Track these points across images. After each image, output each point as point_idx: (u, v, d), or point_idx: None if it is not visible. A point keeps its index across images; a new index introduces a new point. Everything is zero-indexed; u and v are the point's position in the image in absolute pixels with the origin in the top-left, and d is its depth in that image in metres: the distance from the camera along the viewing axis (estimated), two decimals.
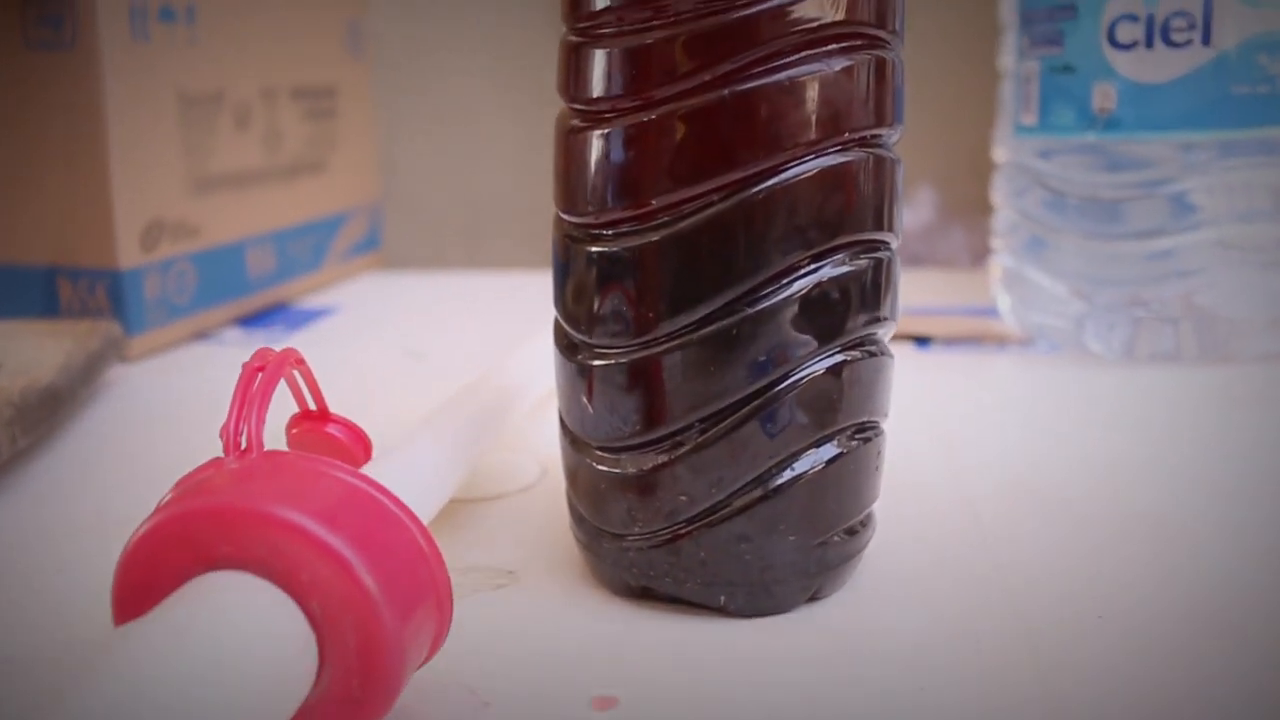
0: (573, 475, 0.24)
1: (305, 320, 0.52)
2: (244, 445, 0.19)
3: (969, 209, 0.70)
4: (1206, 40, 0.38)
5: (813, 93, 0.21)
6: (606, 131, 0.21)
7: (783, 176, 0.21)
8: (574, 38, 0.22)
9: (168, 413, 0.40)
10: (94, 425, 0.38)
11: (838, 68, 0.21)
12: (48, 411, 0.35)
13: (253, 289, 0.53)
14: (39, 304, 0.46)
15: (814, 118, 0.21)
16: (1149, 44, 0.39)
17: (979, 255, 0.68)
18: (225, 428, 0.19)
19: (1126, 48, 0.39)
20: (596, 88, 0.22)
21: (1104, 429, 0.35)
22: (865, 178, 0.22)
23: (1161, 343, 0.41)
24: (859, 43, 0.21)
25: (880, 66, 0.22)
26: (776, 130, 0.20)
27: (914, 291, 0.54)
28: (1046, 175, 0.42)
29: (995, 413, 0.37)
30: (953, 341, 0.45)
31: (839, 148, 0.21)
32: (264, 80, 0.52)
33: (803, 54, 0.21)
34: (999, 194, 0.46)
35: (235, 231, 0.51)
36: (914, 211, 0.68)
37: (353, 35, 0.60)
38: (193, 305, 0.49)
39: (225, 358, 0.47)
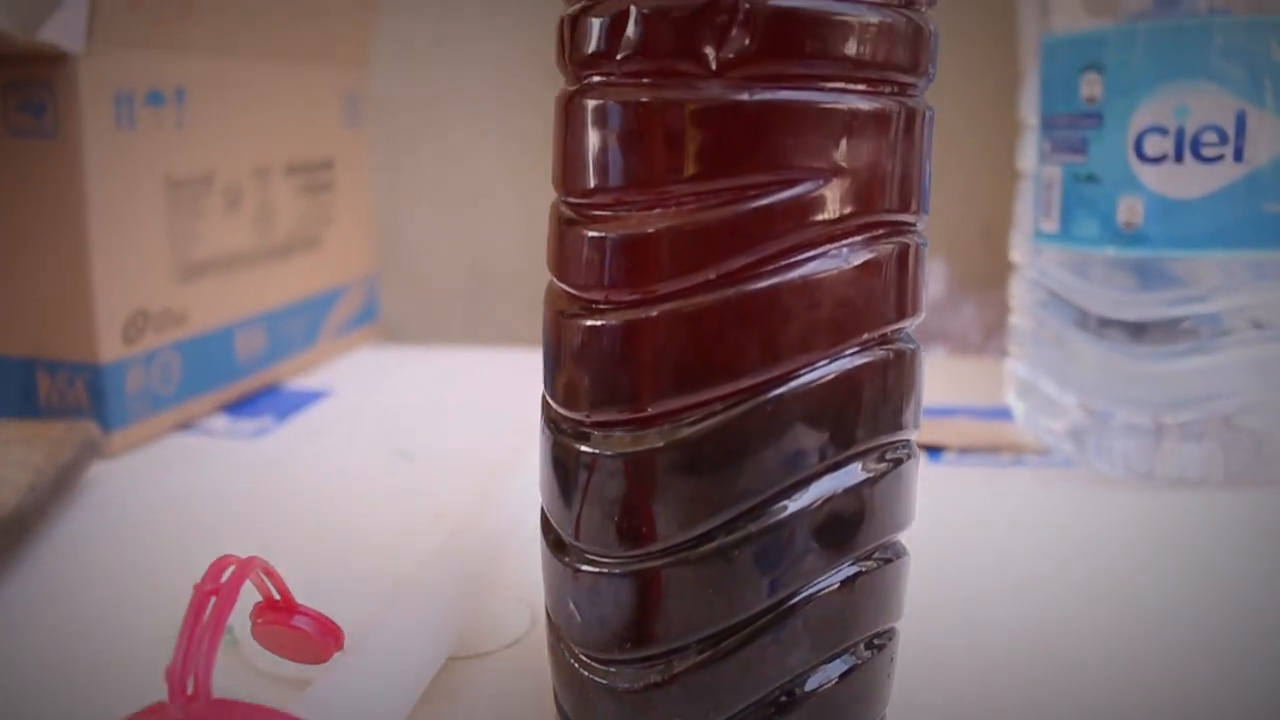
0: (557, 668, 0.22)
1: (294, 407, 0.51)
2: (190, 690, 0.17)
3: (981, 279, 0.69)
4: (1239, 156, 0.36)
5: (830, 292, 0.19)
6: (600, 324, 0.20)
7: (794, 384, 0.19)
8: (566, 211, 0.20)
9: (146, 518, 0.38)
10: (64, 540, 0.36)
11: (857, 262, 0.19)
12: (11, 540, 0.33)
13: (242, 373, 0.51)
14: (17, 397, 0.44)
15: (831, 319, 0.19)
16: (1178, 158, 0.37)
17: (991, 331, 0.66)
18: (171, 669, 0.17)
19: (1154, 161, 0.37)
20: (588, 275, 0.20)
21: (1129, 567, 0.33)
22: (886, 378, 0.20)
23: (1188, 463, 0.39)
24: (881, 231, 0.19)
25: (904, 255, 0.20)
26: (789, 334, 0.19)
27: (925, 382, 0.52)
28: (1067, 286, 0.40)
29: (1012, 544, 0.35)
30: (967, 451, 0.43)
31: (858, 348, 0.19)
32: (257, 159, 0.51)
33: (820, 249, 0.19)
34: (1016, 299, 0.44)
35: (224, 316, 0.49)
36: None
37: (350, 107, 0.59)
38: (178, 395, 0.47)
39: (210, 450, 0.45)
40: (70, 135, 0.42)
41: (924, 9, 0.20)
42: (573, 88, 0.20)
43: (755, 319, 0.19)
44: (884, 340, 0.20)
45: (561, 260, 0.20)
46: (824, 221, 0.19)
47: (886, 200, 0.19)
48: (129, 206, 0.44)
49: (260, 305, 0.52)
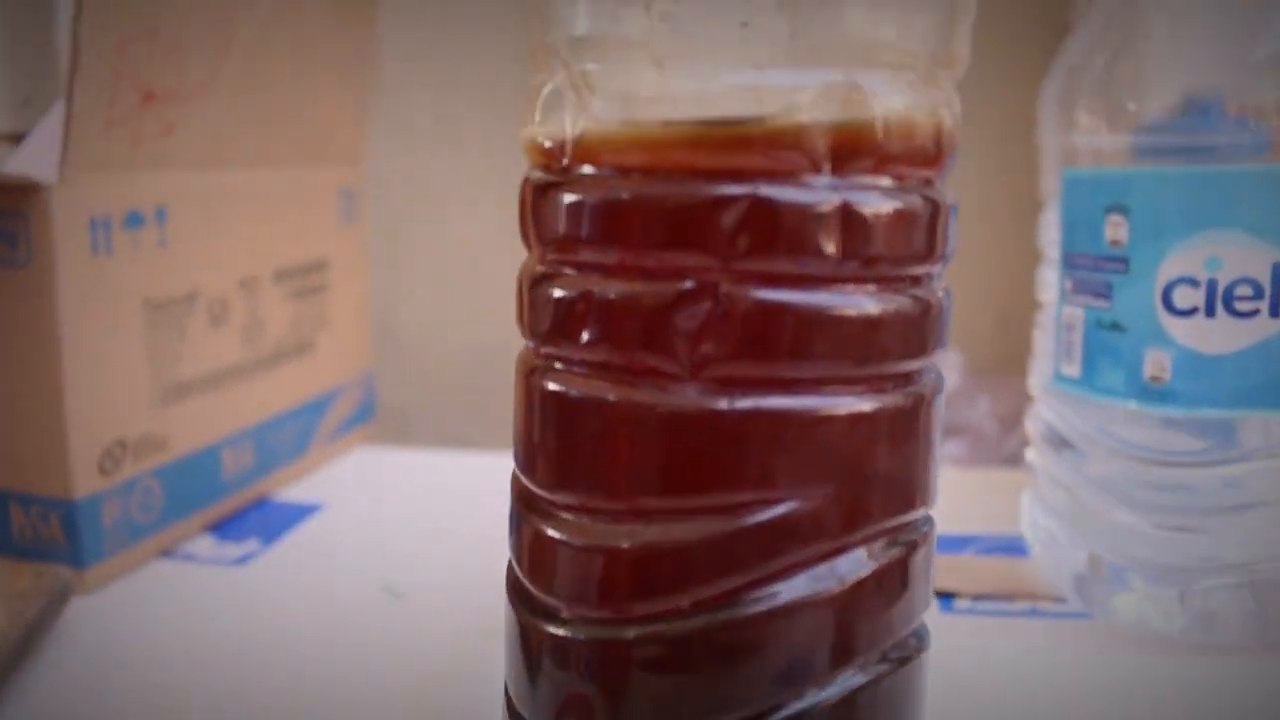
0: None
1: (283, 527, 0.49)
2: None
3: (997, 366, 0.66)
4: (1275, 312, 0.34)
5: (825, 617, 0.17)
6: (568, 638, 0.17)
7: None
8: (533, 505, 0.18)
9: (122, 664, 0.36)
10: (33, 695, 0.34)
11: (854, 580, 0.17)
12: None
13: (228, 491, 0.49)
14: None
15: (831, 645, 0.17)
16: (1210, 312, 0.35)
17: (1007, 423, 0.64)
18: None
19: (1184, 314, 0.35)
20: (557, 584, 0.18)
21: None
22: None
23: (1220, 625, 0.36)
24: (881, 541, 0.17)
25: (905, 564, 0.18)
26: (778, 666, 0.17)
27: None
28: (1088, 435, 0.38)
29: (1023, 710, 0.33)
30: (980, 597, 0.41)
31: (859, 669, 0.17)
32: (245, 269, 0.49)
33: (813, 568, 0.17)
34: (1032, 440, 0.42)
35: (209, 436, 0.47)
36: None
37: (345, 202, 0.57)
38: (159, 522, 0.45)
39: (192, 581, 0.43)
40: (43, 266, 0.40)
41: (933, 298, 0.18)
42: (531, 365, 0.18)
43: (739, 653, 0.16)
44: (896, 647, 0.18)
45: (532, 565, 0.18)
46: (816, 540, 0.17)
47: (887, 507, 0.17)
48: (105, 334, 0.42)
49: (248, 419, 0.50)
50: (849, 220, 0.15)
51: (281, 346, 0.52)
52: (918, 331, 0.17)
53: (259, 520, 0.49)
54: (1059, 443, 0.39)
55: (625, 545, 0.16)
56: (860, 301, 0.16)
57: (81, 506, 0.41)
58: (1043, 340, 0.41)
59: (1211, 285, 0.35)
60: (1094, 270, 0.37)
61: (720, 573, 0.16)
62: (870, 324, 0.16)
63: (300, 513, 0.51)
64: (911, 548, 0.17)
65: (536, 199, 0.17)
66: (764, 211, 0.15)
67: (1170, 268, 0.35)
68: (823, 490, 0.16)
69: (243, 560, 0.45)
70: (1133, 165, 0.40)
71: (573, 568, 0.17)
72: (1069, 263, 0.38)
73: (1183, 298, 0.35)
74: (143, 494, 0.44)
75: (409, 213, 0.68)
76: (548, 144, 0.17)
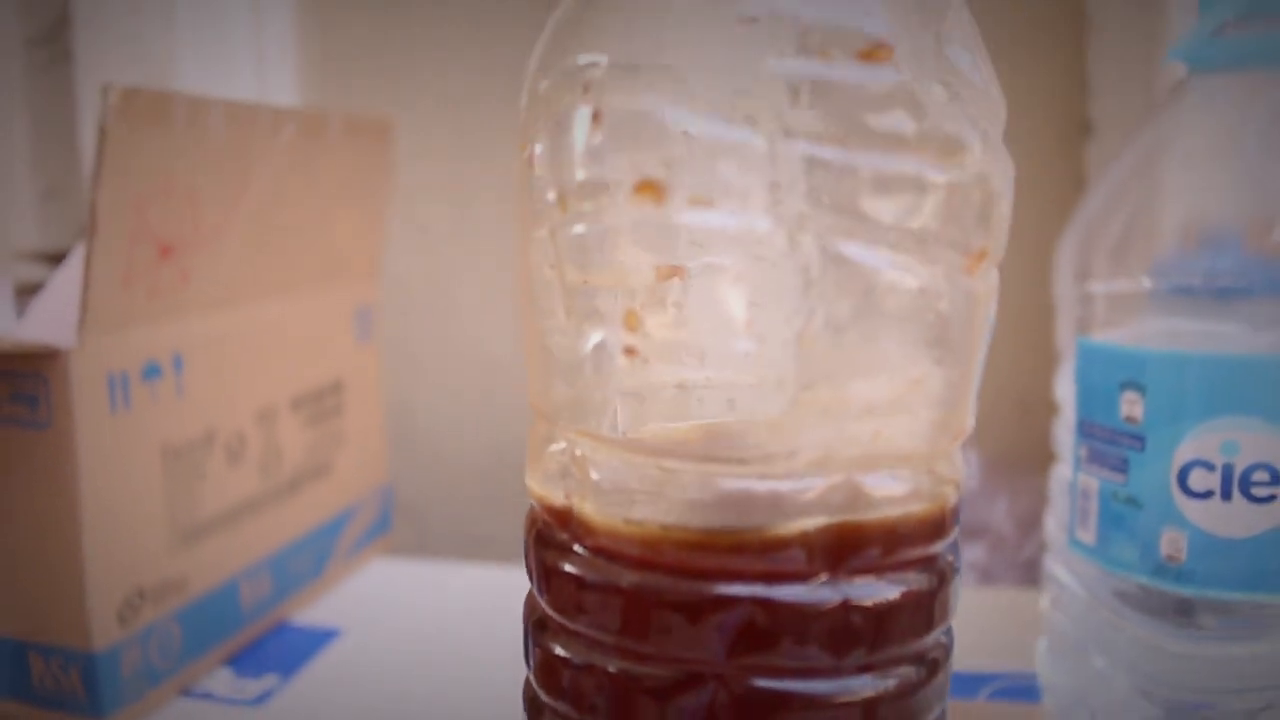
0: None
1: (301, 657, 0.49)
2: None
3: (1016, 459, 0.66)
4: None
5: None
6: None
7: None
8: None
9: None
10: None
11: None
12: None
13: (246, 622, 0.49)
14: (8, 678, 0.43)
15: None
16: (1225, 495, 0.34)
17: (1026, 524, 0.64)
18: None
19: (1200, 496, 0.35)
20: None
21: None
22: None
23: None
24: None
25: None
26: None
27: None
28: (1101, 602, 0.38)
29: None
30: None
31: None
32: (261, 403, 0.49)
33: None
34: (1045, 599, 0.41)
35: (226, 571, 0.48)
36: None
37: (361, 320, 0.57)
38: (178, 663, 0.45)
39: (213, 716, 0.44)
40: (63, 427, 0.40)
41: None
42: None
43: None
44: None
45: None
46: None
47: None
48: (124, 486, 0.42)
49: (266, 549, 0.50)
50: (850, 615, 0.15)
51: (298, 473, 0.52)
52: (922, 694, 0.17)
53: (277, 650, 0.50)
54: (1077, 609, 0.39)
55: None
56: (861, 685, 0.16)
57: (101, 658, 0.42)
58: (1057, 499, 0.41)
59: (1228, 470, 0.34)
60: (1109, 443, 0.37)
61: None
62: (874, 701, 0.16)
63: (319, 639, 0.51)
64: None
65: (540, 549, 0.17)
66: (763, 612, 0.15)
67: (1186, 450, 0.35)
68: None
69: (262, 699, 0.46)
70: (1149, 315, 0.40)
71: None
72: (1085, 430, 0.38)
73: (1198, 480, 0.35)
74: (162, 638, 0.45)
75: (425, 312, 0.68)
76: (555, 503, 0.17)
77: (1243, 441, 0.34)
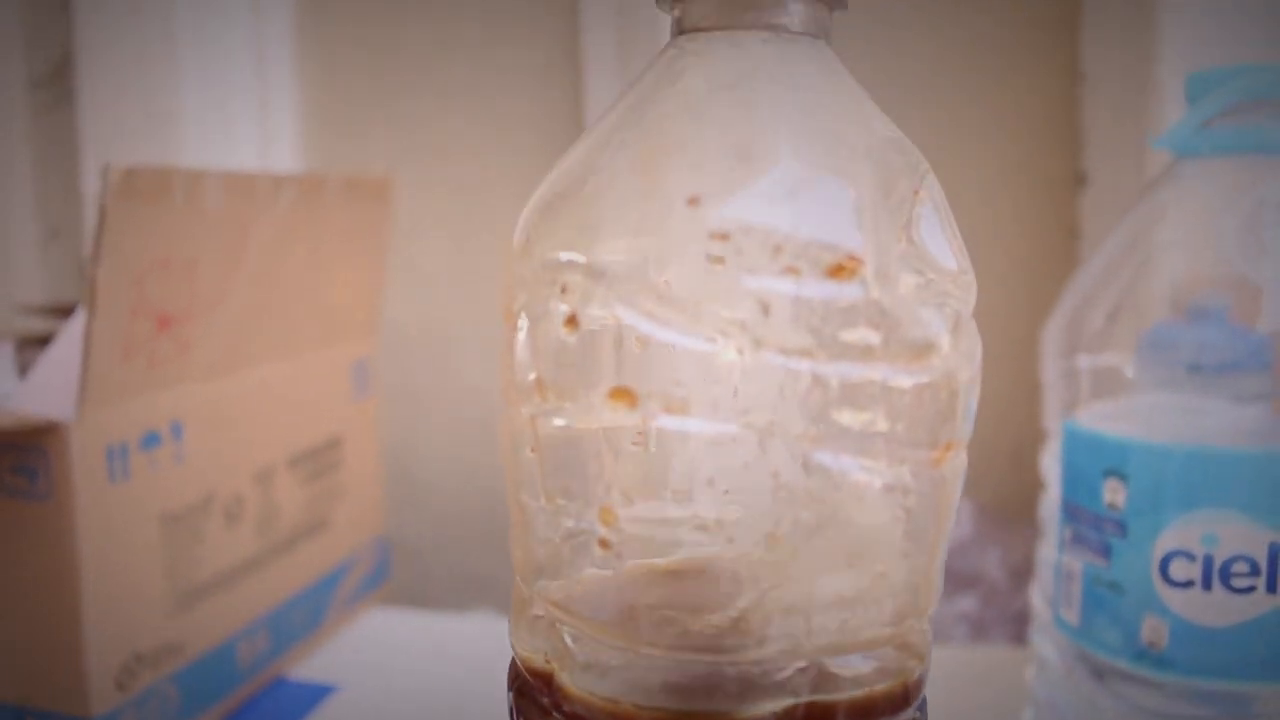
0: None
1: (299, 714, 0.50)
2: None
3: (1010, 506, 0.66)
4: (1272, 588, 0.34)
5: None
6: None
7: None
8: None
9: None
10: None
11: None
12: None
13: (243, 680, 0.50)
14: None
15: None
16: (1206, 585, 0.35)
17: (1019, 573, 0.64)
18: None
19: (1181, 585, 0.35)
20: None
21: None
22: None
23: None
24: None
25: None
26: None
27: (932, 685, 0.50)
28: (1083, 680, 0.38)
29: None
30: None
31: None
32: (259, 464, 0.50)
33: None
34: (1031, 670, 0.42)
35: (224, 631, 0.48)
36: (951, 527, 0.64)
37: (359, 375, 0.58)
38: None
39: None
40: (63, 499, 0.41)
41: None
42: None
43: None
44: None
45: None
46: None
47: None
48: (123, 554, 0.43)
49: (264, 607, 0.51)
50: None
51: (296, 530, 0.53)
52: None
53: (274, 708, 0.50)
54: (1062, 688, 0.40)
55: None
56: None
57: None
58: (1044, 574, 0.41)
59: (1208, 561, 0.35)
60: (1093, 528, 0.37)
61: None
62: None
63: (315, 695, 0.51)
64: None
65: (521, 703, 0.18)
66: None
67: (1167, 540, 0.35)
68: None
69: None
70: (1135, 389, 0.41)
71: None
72: (1069, 512, 0.39)
73: (1179, 570, 0.35)
74: (159, 701, 0.45)
75: (425, 356, 0.69)
76: (536, 666, 0.18)
77: (1222, 534, 0.35)
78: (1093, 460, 0.37)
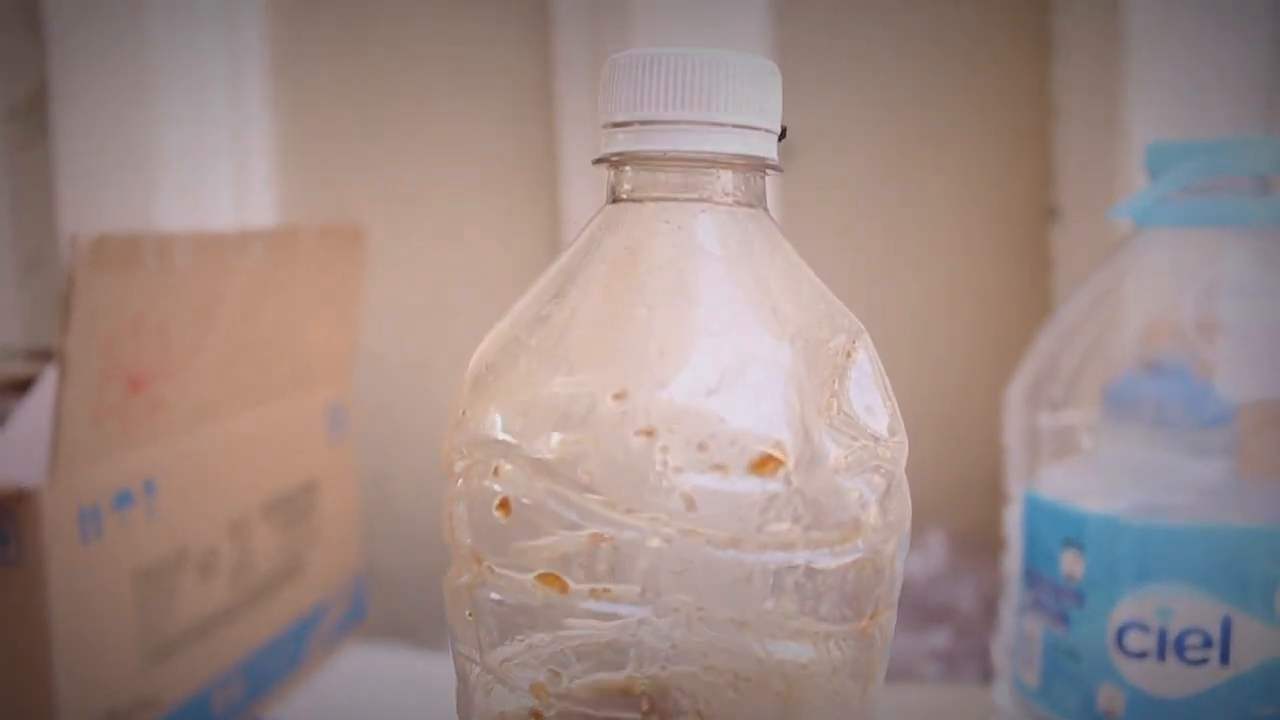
0: None
1: None
2: None
3: (982, 542, 0.67)
4: (1225, 660, 0.35)
5: None
6: None
7: None
8: None
9: None
10: None
11: None
12: None
13: None
14: None
15: None
16: (1160, 656, 0.36)
17: (990, 605, 0.65)
18: None
19: (1136, 656, 0.36)
20: None
21: None
22: None
23: None
24: None
25: None
26: None
27: None
28: None
29: None
30: None
31: None
32: (233, 514, 0.50)
33: None
34: None
35: (198, 682, 0.49)
36: (924, 558, 0.65)
37: (334, 419, 0.58)
38: None
39: None
40: (34, 564, 0.41)
41: None
42: None
43: None
44: None
45: None
46: None
47: None
48: (95, 613, 0.43)
49: (238, 655, 0.51)
50: None
51: (271, 577, 0.53)
52: None
53: None
54: None
55: None
56: None
57: None
58: (1006, 631, 0.42)
59: (1163, 633, 0.35)
60: (1052, 596, 0.38)
61: None
62: None
63: None
64: None
65: None
66: None
67: (1123, 611, 0.36)
68: None
69: None
70: (1096, 445, 0.41)
71: None
72: (1030, 579, 0.39)
73: (1135, 641, 0.36)
74: None
75: (401, 386, 0.69)
76: None
77: (1176, 606, 0.35)
78: (1052, 530, 0.38)
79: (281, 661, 0.55)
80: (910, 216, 0.68)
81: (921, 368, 0.68)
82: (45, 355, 0.63)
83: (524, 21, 0.67)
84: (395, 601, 0.70)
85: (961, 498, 0.69)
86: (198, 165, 0.68)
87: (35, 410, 0.46)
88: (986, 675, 0.61)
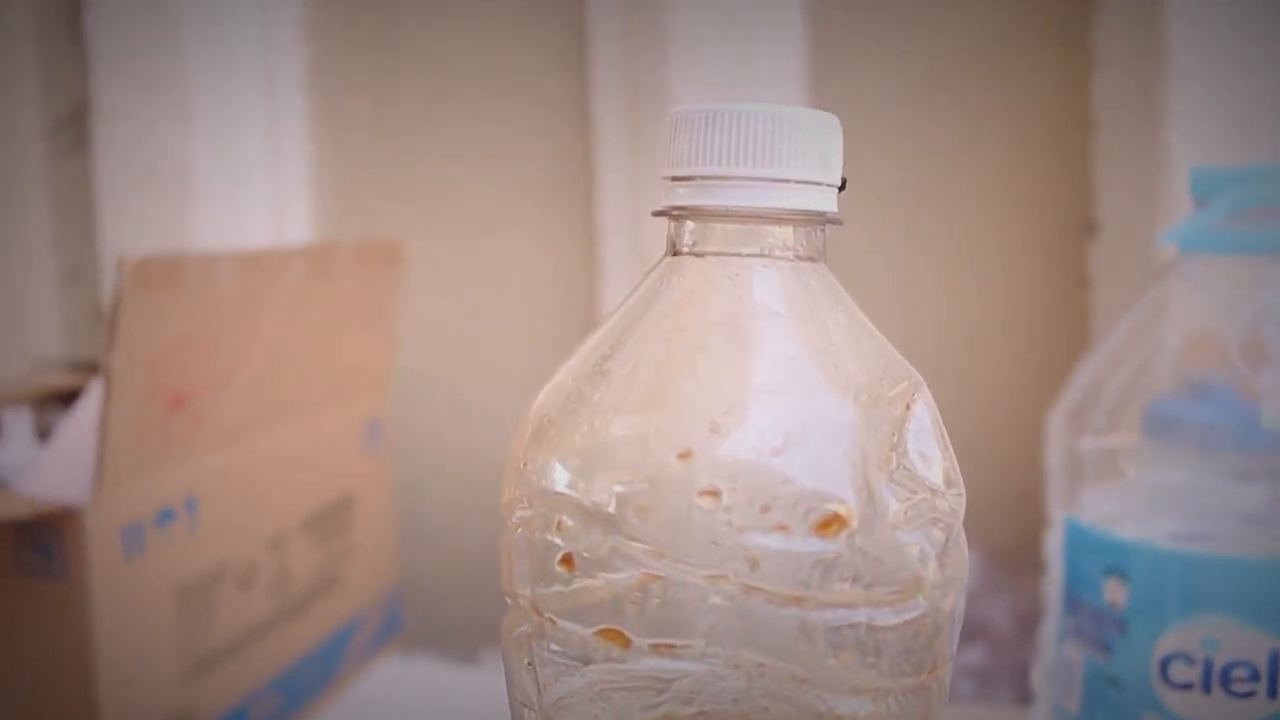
0: None
1: None
2: None
3: (1018, 557, 0.67)
4: (1272, 694, 0.35)
5: None
6: None
7: None
8: None
9: None
10: None
11: None
12: None
13: None
14: None
15: None
16: (1206, 688, 0.35)
17: (1027, 622, 0.64)
18: None
19: (1180, 687, 0.36)
20: None
21: None
22: None
23: None
24: None
25: None
26: None
27: None
28: None
29: None
30: None
31: None
32: (272, 529, 0.51)
33: None
34: None
35: (235, 696, 0.49)
36: None
37: (370, 434, 0.58)
38: None
39: None
40: (78, 580, 0.41)
41: None
42: None
43: None
44: None
45: None
46: None
47: None
48: (138, 628, 0.44)
49: (275, 669, 0.51)
50: None
51: (309, 591, 0.54)
52: None
53: None
54: None
55: None
56: None
57: None
58: (1045, 655, 0.42)
59: (1208, 664, 0.35)
60: (1094, 623, 0.38)
61: None
62: None
63: None
64: None
65: None
66: None
67: (1168, 642, 0.35)
68: None
69: None
70: (1139, 470, 0.41)
71: None
72: (1071, 604, 0.39)
73: (1179, 672, 0.35)
74: None
75: (436, 401, 0.69)
76: None
77: (1222, 638, 0.35)
78: (1094, 558, 0.37)
79: (318, 675, 0.55)
80: (946, 232, 0.68)
81: (952, 381, 0.67)
82: (84, 367, 0.64)
83: (559, 41, 0.67)
84: (431, 614, 0.70)
85: (996, 515, 0.68)
86: (235, 180, 0.69)
87: (79, 427, 0.46)
88: (1020, 694, 0.61)
